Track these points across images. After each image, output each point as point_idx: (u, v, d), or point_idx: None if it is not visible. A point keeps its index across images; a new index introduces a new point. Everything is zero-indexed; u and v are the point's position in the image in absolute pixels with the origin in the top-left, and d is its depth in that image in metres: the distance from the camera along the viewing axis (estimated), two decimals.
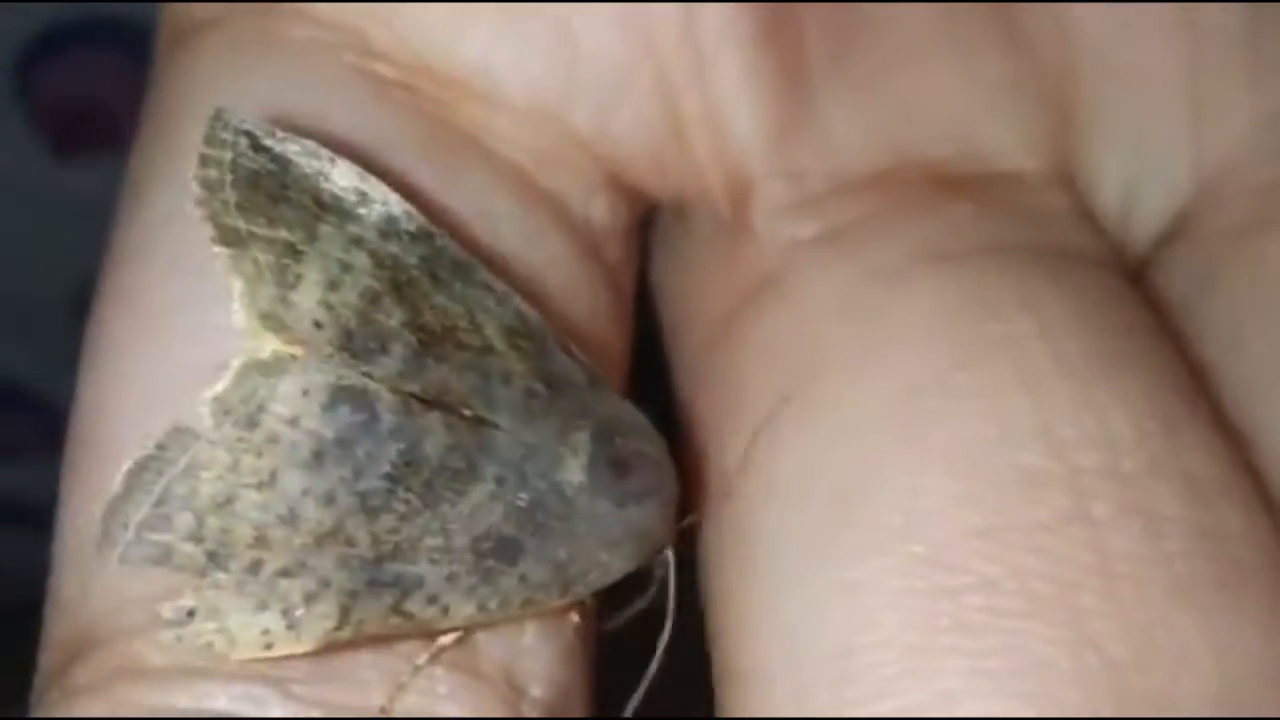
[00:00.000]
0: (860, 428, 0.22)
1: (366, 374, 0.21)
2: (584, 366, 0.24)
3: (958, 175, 0.26)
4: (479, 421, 0.22)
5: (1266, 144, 0.26)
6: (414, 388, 0.22)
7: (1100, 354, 0.23)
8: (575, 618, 0.24)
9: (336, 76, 0.24)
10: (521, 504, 0.22)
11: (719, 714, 0.23)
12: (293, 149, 0.22)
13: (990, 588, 0.21)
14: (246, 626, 0.20)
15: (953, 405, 0.22)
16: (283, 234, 0.21)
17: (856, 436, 0.22)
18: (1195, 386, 0.24)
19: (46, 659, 0.21)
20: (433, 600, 0.22)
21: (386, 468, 0.21)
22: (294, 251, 0.21)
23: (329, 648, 0.21)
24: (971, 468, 0.21)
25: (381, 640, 0.22)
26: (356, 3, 0.24)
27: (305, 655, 0.21)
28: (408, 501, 0.21)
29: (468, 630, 0.22)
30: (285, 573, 0.21)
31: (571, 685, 0.23)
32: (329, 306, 0.21)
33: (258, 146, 0.22)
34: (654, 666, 0.24)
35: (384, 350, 0.21)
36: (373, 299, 0.22)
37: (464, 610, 0.22)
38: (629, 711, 0.23)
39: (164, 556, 0.20)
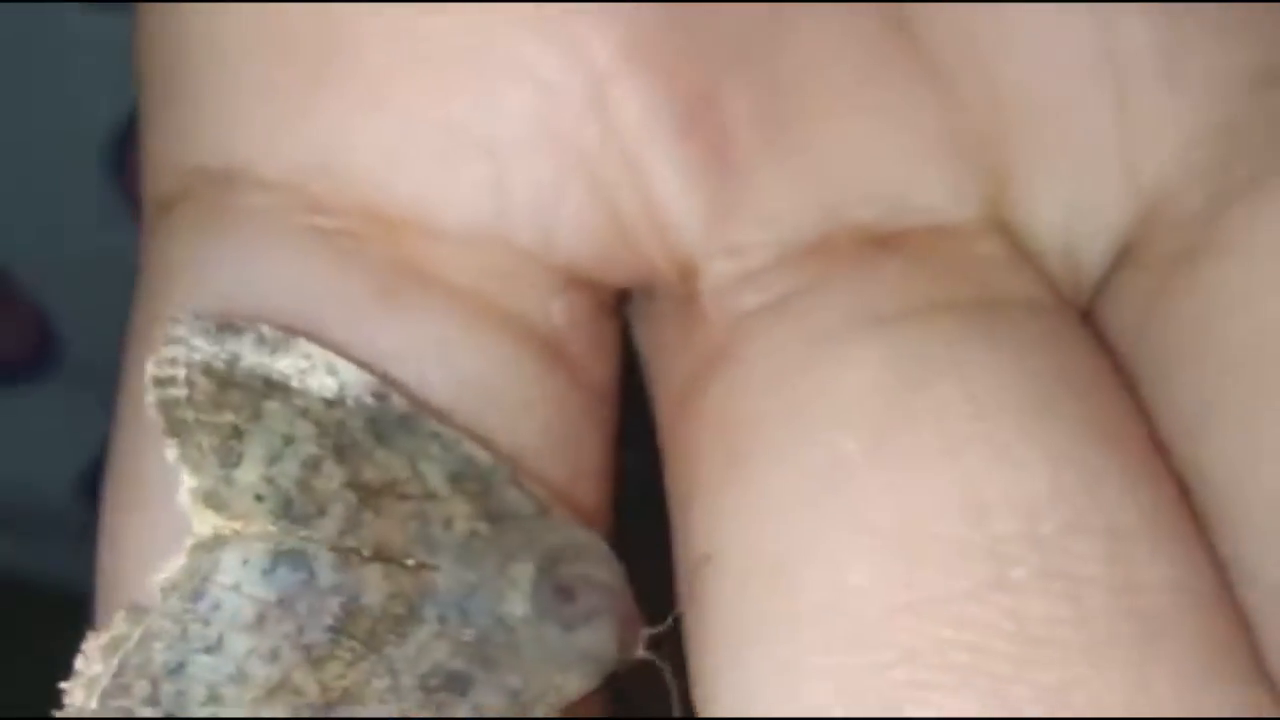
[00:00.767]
0: (792, 504, 0.23)
1: (305, 537, 0.23)
2: (534, 499, 0.25)
3: (891, 232, 0.26)
4: (420, 567, 0.24)
5: (1196, 163, 0.26)
6: (353, 543, 0.24)
7: (1025, 410, 0.23)
8: None
9: (287, 240, 0.25)
10: (467, 639, 0.24)
11: None
12: (247, 337, 0.24)
13: (913, 661, 0.21)
14: None
15: (879, 478, 0.22)
16: (228, 418, 0.24)
17: (789, 513, 0.23)
18: (1133, 426, 0.24)
19: None
20: None
21: (329, 620, 0.23)
22: (237, 432, 0.24)
23: None
24: (896, 542, 0.22)
25: None
26: (298, 160, 0.25)
27: None
28: (352, 649, 0.23)
29: None
30: None
31: None
32: (270, 480, 0.24)
33: (212, 340, 0.24)
34: None
35: (322, 512, 0.24)
36: (314, 465, 0.24)
37: None
38: None
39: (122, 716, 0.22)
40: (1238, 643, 0.22)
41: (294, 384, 0.24)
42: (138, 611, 0.22)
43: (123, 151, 0.45)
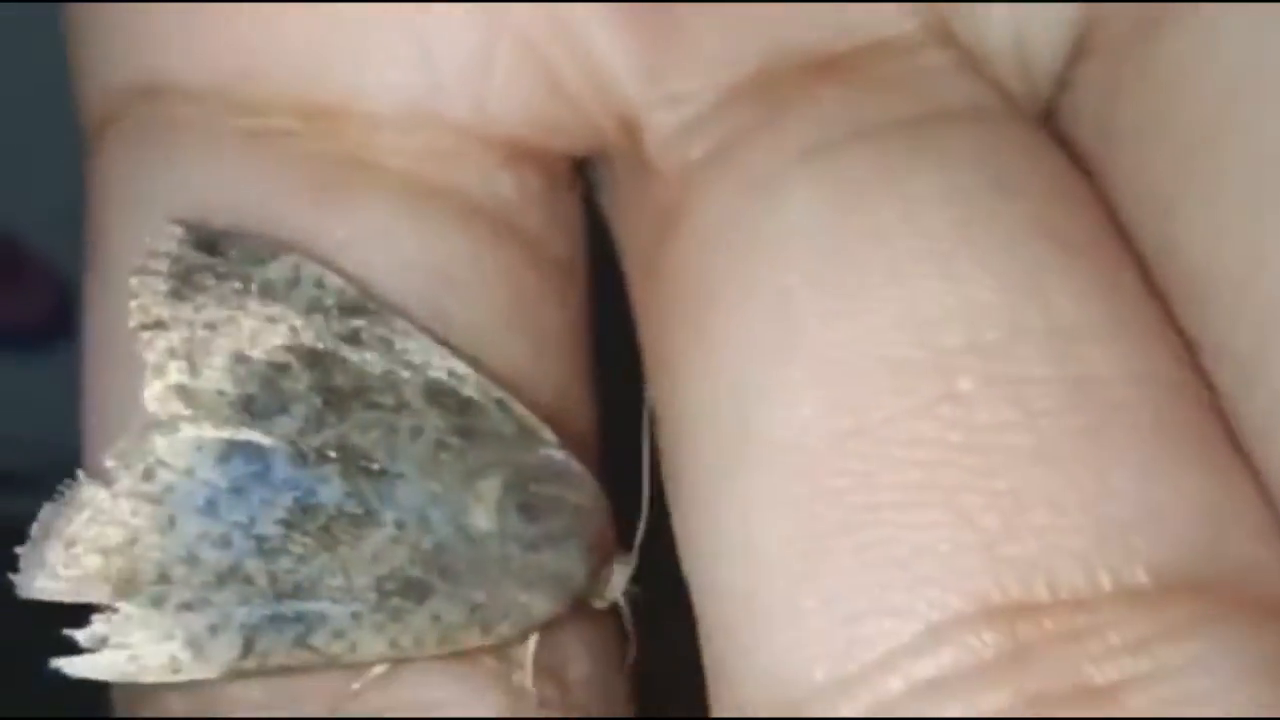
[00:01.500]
0: (746, 351, 0.23)
1: (264, 431, 0.24)
2: (518, 421, 0.25)
3: (832, 55, 0.25)
4: (381, 473, 0.24)
5: None
6: (314, 442, 0.24)
7: (966, 221, 0.23)
8: None
9: (221, 146, 0.25)
10: (426, 547, 0.24)
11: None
12: (235, 245, 0.25)
13: (866, 485, 0.21)
14: (155, 654, 0.23)
15: (822, 308, 0.22)
16: (203, 316, 0.24)
17: (743, 360, 0.23)
18: (1086, 226, 0.23)
19: None
20: (339, 635, 0.24)
21: (281, 514, 0.23)
22: (210, 328, 0.24)
23: (239, 675, 0.24)
24: (843, 369, 0.22)
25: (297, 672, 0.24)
26: (221, 66, 0.26)
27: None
28: (305, 545, 0.24)
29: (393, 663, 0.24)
30: (188, 606, 0.23)
31: None
32: (235, 377, 0.24)
33: (198, 245, 0.25)
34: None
35: (284, 411, 0.24)
36: (282, 367, 0.24)
37: (374, 646, 0.24)
38: None
39: (75, 591, 0.23)
40: (1202, 426, 0.22)
41: (277, 291, 0.25)
42: (90, 484, 0.23)
43: None
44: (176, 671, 0.23)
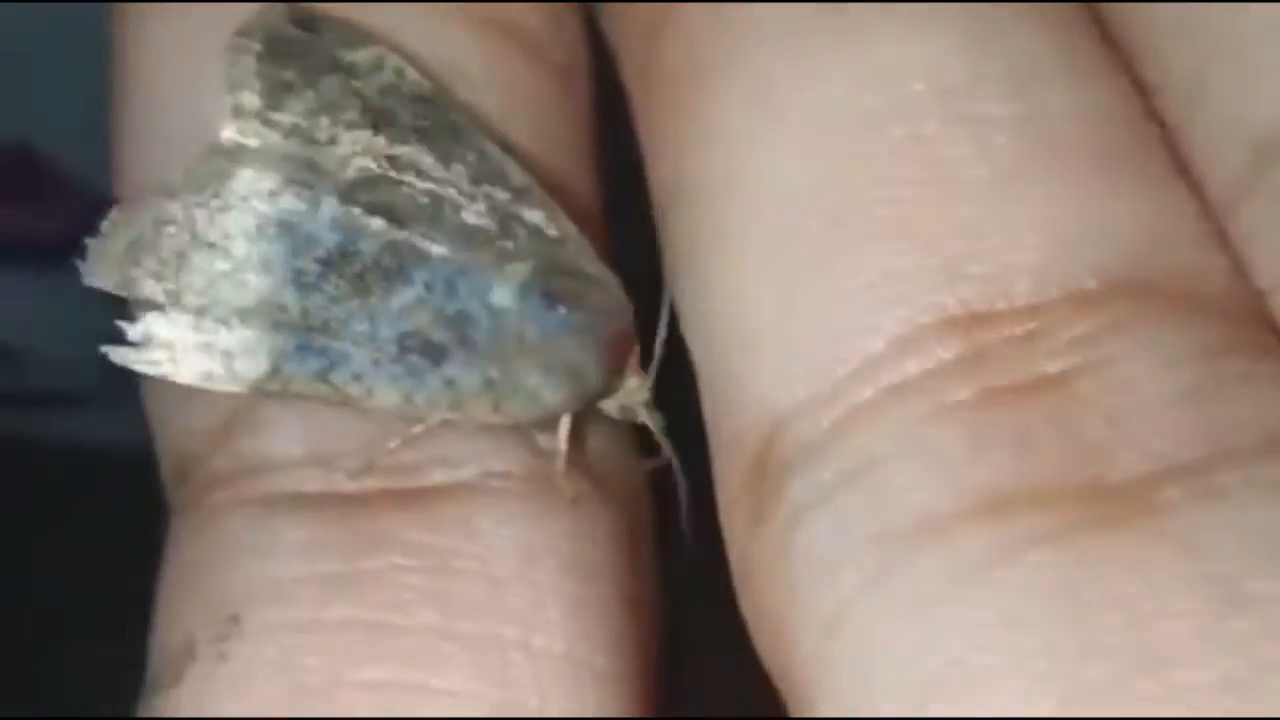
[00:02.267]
0: (730, 124, 0.24)
1: (319, 176, 0.26)
2: (560, 228, 0.26)
3: None
4: (420, 238, 0.26)
5: None
6: (363, 197, 0.26)
7: None
8: None
9: None
10: (450, 314, 0.26)
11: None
12: (329, 28, 0.27)
13: (840, 224, 0.23)
14: (191, 359, 0.25)
15: (799, 77, 0.24)
16: (287, 74, 0.26)
17: (729, 133, 0.24)
18: None
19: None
20: (357, 378, 0.26)
21: (321, 253, 0.25)
22: (289, 87, 0.26)
23: (266, 394, 0.26)
24: (819, 126, 0.24)
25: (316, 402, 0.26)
26: None
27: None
28: (338, 287, 0.25)
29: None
30: (225, 322, 0.25)
31: None
32: (301, 127, 0.26)
33: (296, 24, 0.27)
34: None
35: (343, 166, 0.26)
36: (346, 128, 0.26)
37: (389, 396, 0.26)
38: None
39: (130, 286, 0.25)
40: (1147, 153, 0.24)
41: (359, 71, 0.27)
42: (156, 195, 0.25)
43: None
44: (208, 379, 0.25)
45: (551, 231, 0.27)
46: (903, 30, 0.24)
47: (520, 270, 0.26)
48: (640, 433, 0.28)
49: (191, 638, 0.24)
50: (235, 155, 0.25)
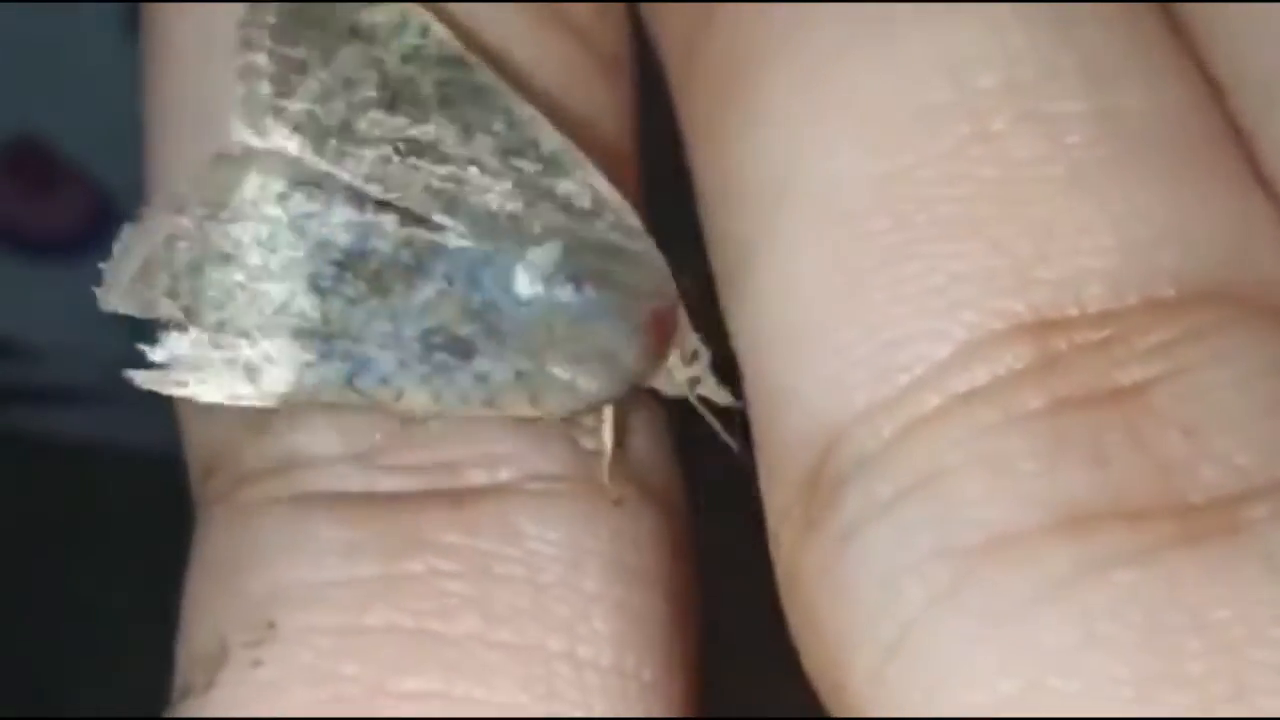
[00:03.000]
0: (783, 112, 0.23)
1: (329, 173, 0.25)
2: (595, 196, 0.25)
3: None
4: (438, 228, 0.25)
5: None
6: (375, 190, 0.25)
7: None
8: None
9: None
10: (474, 306, 0.25)
11: None
12: None
13: (902, 223, 0.22)
14: (215, 377, 0.25)
15: (859, 65, 0.23)
16: (300, 52, 0.25)
17: (781, 122, 0.23)
18: None
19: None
20: (385, 381, 0.25)
21: (336, 255, 0.24)
22: (303, 67, 0.25)
23: (295, 407, 0.25)
24: (880, 119, 0.23)
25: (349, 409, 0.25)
26: None
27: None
28: (356, 287, 0.25)
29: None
30: (246, 335, 0.25)
31: None
32: (314, 116, 0.25)
33: None
34: None
35: (354, 156, 0.25)
36: (362, 110, 0.25)
37: (418, 396, 0.25)
38: None
39: (148, 307, 0.25)
40: (1225, 154, 0.23)
41: (379, 35, 0.25)
42: (166, 210, 0.25)
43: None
44: (234, 397, 0.25)
45: (584, 203, 0.25)
46: (970, 21, 0.23)
47: (545, 254, 0.25)
48: (689, 430, 0.27)
49: (224, 641, 0.23)
50: (243, 159, 0.25)
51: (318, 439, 0.25)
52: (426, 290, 0.25)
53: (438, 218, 0.25)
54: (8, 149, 0.52)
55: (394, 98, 0.25)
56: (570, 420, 0.25)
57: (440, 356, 0.25)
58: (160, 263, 0.25)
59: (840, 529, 0.21)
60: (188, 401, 0.26)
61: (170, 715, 0.24)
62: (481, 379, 0.25)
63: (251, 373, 0.25)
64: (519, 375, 0.25)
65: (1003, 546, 0.20)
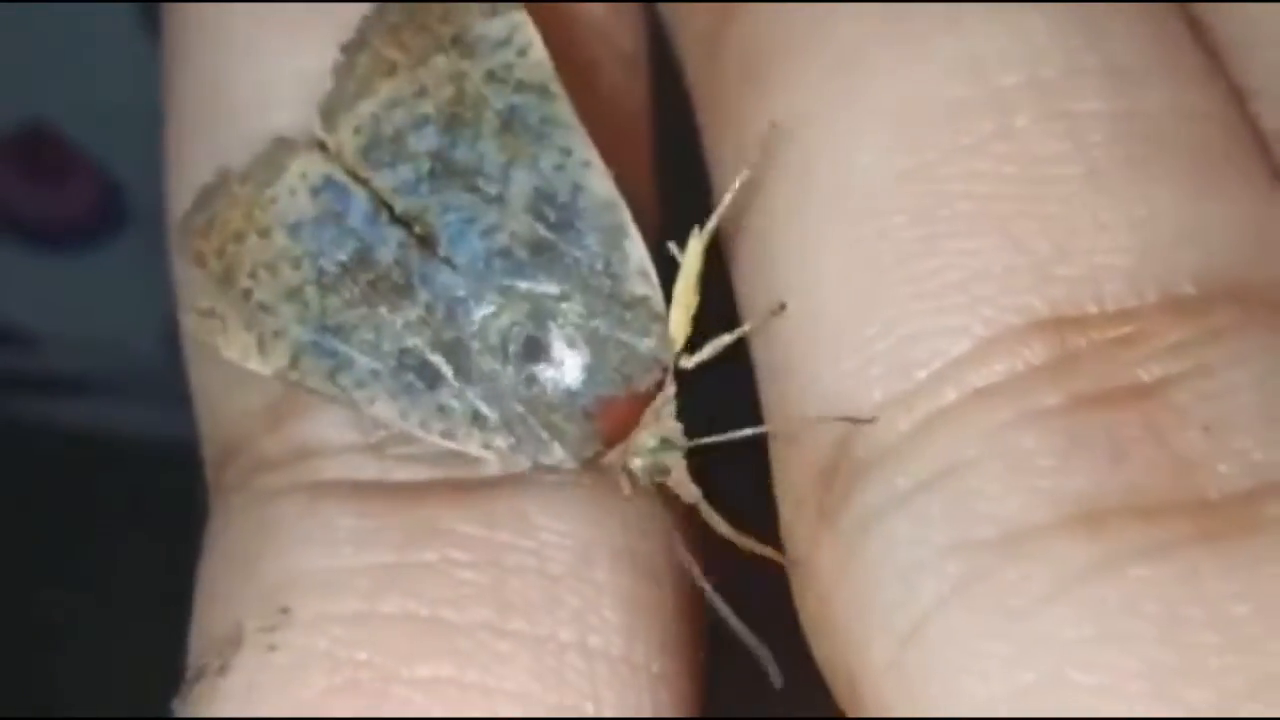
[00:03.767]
0: (806, 106, 0.24)
1: (363, 179, 0.27)
2: (618, 256, 0.25)
3: None
4: (434, 255, 0.26)
5: None
6: (397, 205, 0.27)
7: None
8: None
9: None
10: (446, 340, 0.26)
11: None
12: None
13: (923, 219, 0.23)
14: (236, 338, 0.27)
15: (883, 60, 0.23)
16: (396, 54, 0.27)
17: (805, 115, 0.24)
18: None
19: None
20: (360, 385, 0.27)
21: (343, 256, 0.27)
22: (392, 69, 0.27)
23: (288, 384, 0.27)
24: (902, 114, 0.23)
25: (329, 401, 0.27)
26: None
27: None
28: (351, 291, 0.27)
29: None
30: (263, 308, 0.28)
31: None
32: (377, 120, 0.27)
33: None
34: None
35: (390, 167, 0.27)
36: (417, 125, 0.27)
37: (387, 410, 0.26)
38: None
39: (200, 260, 0.28)
40: (1246, 157, 0.22)
41: (478, 49, 0.27)
42: (226, 179, 0.28)
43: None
44: (246, 359, 0.27)
45: (597, 265, 0.25)
46: (995, 19, 0.23)
47: (519, 310, 0.26)
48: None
49: (239, 626, 0.23)
50: (296, 146, 0.27)
51: (333, 429, 0.26)
52: (409, 312, 0.27)
53: (441, 247, 0.27)
54: (18, 137, 0.53)
55: (453, 117, 0.26)
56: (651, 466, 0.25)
57: (409, 378, 0.26)
58: (217, 223, 0.28)
59: (857, 520, 0.21)
60: (206, 388, 0.28)
61: (182, 698, 0.24)
62: (442, 410, 0.26)
63: (260, 342, 0.28)
64: (475, 417, 0.26)
65: (1019, 541, 0.20)
